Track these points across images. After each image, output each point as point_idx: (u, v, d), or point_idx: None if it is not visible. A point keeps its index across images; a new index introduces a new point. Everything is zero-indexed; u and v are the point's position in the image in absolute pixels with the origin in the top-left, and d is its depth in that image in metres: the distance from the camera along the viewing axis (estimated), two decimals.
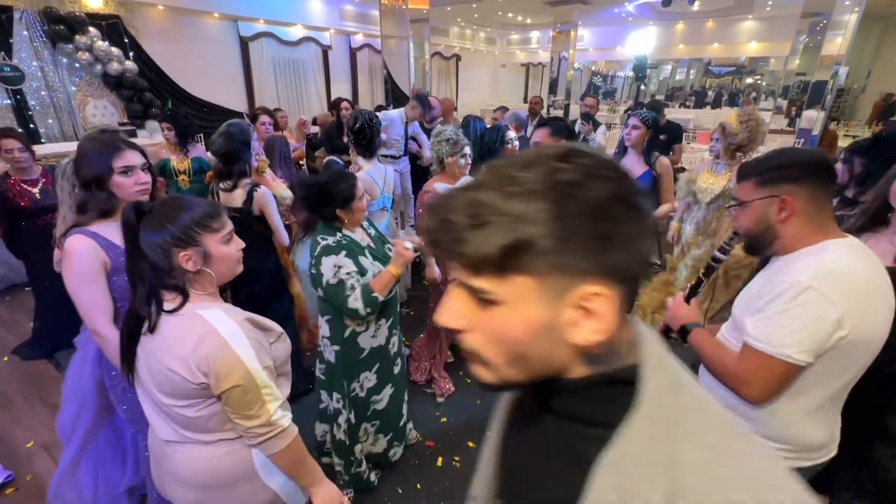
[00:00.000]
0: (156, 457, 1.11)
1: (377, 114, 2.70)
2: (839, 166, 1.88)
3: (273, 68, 7.99)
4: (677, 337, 1.20)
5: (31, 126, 5.01)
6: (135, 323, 0.97)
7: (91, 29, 5.18)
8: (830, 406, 1.01)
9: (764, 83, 12.55)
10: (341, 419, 1.77)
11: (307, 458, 1.07)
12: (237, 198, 2.11)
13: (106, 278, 1.34)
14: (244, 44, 7.41)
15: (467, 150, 2.39)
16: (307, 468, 1.07)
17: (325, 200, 1.59)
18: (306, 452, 1.07)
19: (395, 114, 3.84)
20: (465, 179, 2.56)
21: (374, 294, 1.57)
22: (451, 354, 2.77)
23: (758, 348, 0.94)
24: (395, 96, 8.13)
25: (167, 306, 0.96)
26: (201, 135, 6.51)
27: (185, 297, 0.97)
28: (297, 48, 8.34)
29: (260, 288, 2.18)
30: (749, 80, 13.17)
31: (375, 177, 2.48)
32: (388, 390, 1.85)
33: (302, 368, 2.47)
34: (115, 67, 5.37)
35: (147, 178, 1.39)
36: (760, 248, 1.06)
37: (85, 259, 1.29)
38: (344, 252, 1.59)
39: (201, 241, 0.97)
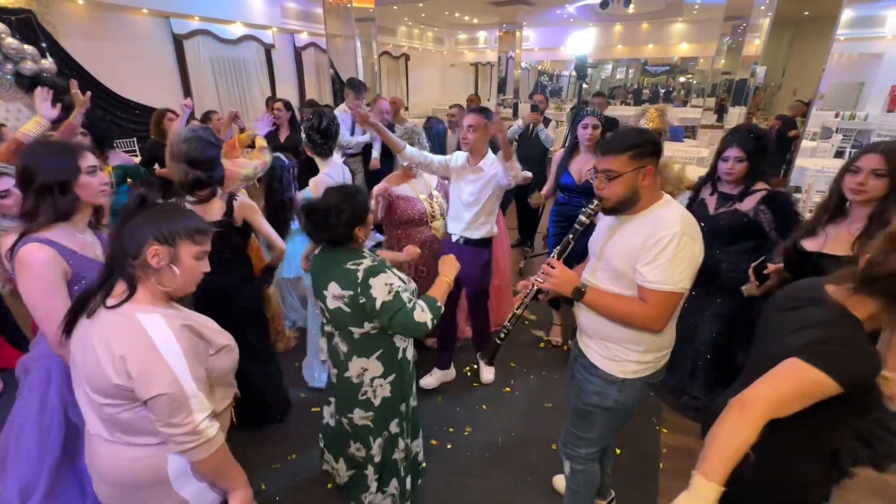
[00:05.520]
0: (86, 445, 1.10)
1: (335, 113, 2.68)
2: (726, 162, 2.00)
3: (212, 68, 7.59)
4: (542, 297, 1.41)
5: None
6: (82, 303, 1.00)
7: None
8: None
9: (695, 81, 13.41)
10: (400, 445, 1.67)
11: (231, 466, 1.08)
12: (215, 210, 1.85)
13: (67, 287, 1.28)
14: (178, 42, 6.99)
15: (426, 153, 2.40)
16: (230, 475, 1.08)
17: (341, 221, 1.42)
18: (230, 460, 1.08)
19: (340, 114, 3.81)
20: (428, 179, 2.57)
21: (439, 304, 1.50)
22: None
23: (663, 289, 1.20)
24: (343, 96, 7.98)
25: (110, 301, 0.97)
26: (134, 139, 6.10)
27: (131, 293, 0.99)
28: (238, 47, 7.98)
29: (244, 304, 2.00)
30: (682, 79, 14.02)
31: (335, 177, 2.30)
32: (413, 389, 1.77)
33: (279, 397, 2.30)
34: (29, 67, 4.90)
35: (106, 178, 1.42)
36: (624, 209, 1.28)
37: (45, 269, 1.23)
38: (386, 270, 1.46)
39: (178, 246, 1.00)
